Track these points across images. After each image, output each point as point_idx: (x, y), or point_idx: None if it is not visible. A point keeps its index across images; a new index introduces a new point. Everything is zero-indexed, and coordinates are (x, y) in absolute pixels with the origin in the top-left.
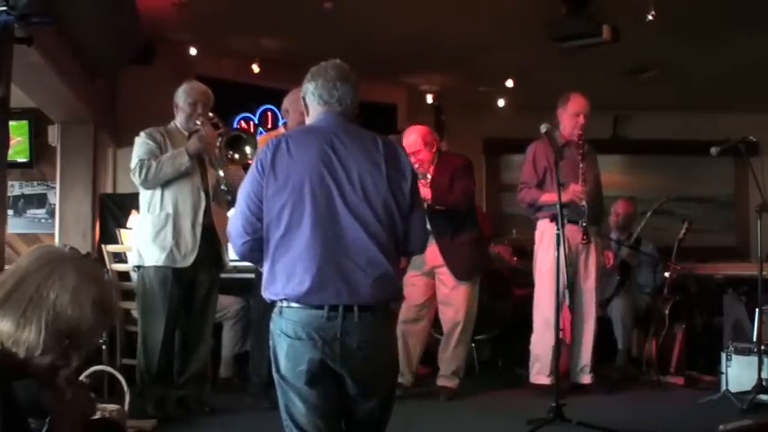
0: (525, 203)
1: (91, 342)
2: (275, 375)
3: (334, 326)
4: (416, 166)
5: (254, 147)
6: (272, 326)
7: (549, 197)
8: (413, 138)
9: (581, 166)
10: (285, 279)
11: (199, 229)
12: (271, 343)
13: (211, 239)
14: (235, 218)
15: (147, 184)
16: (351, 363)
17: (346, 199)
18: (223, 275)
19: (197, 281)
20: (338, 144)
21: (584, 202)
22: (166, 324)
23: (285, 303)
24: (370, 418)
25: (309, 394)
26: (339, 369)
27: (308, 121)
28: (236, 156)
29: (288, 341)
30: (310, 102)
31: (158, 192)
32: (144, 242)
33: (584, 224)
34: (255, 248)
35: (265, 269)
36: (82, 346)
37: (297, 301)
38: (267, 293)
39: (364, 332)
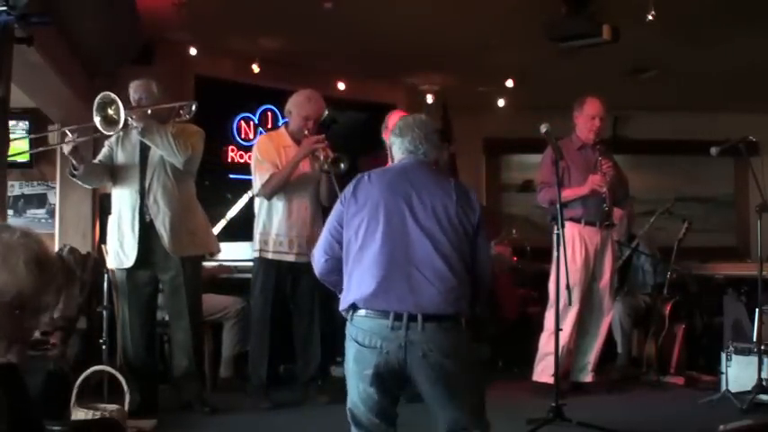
0: (546, 202)
1: (40, 305)
2: (345, 368)
3: (398, 335)
4: None
5: (116, 104)
6: (346, 330)
7: (569, 192)
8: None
9: (600, 159)
10: (357, 286)
11: (137, 229)
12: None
13: (154, 237)
14: (318, 242)
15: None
16: (419, 371)
17: (417, 217)
18: (223, 275)
19: (158, 281)
20: (413, 176)
21: (604, 189)
22: (130, 322)
23: (358, 312)
24: (457, 427)
25: (372, 393)
26: (409, 374)
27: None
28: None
29: (356, 347)
30: (396, 152)
31: (111, 195)
32: (107, 245)
33: (606, 208)
34: (334, 268)
35: (344, 284)
36: (35, 312)
37: (363, 306)
38: (342, 304)
39: (429, 342)
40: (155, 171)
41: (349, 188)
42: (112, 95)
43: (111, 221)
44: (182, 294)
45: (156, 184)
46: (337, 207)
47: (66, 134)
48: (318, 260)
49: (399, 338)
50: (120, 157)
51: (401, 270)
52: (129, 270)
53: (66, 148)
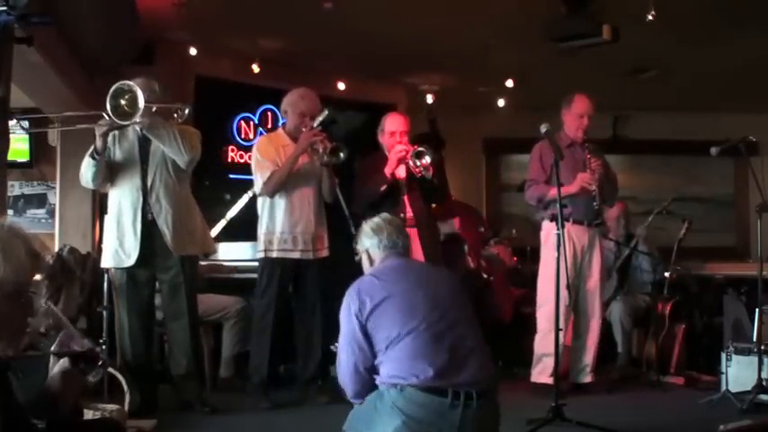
0: (533, 200)
1: (35, 292)
2: (367, 415)
3: (455, 414)
4: (403, 149)
5: (131, 95)
6: (384, 393)
7: (557, 191)
8: (400, 119)
9: (588, 157)
10: (408, 369)
11: (139, 227)
12: (371, 402)
13: (156, 236)
14: (343, 367)
15: (87, 186)
16: None
17: (438, 296)
18: (223, 275)
19: (156, 280)
20: (409, 265)
21: (594, 187)
22: (129, 322)
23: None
24: None
25: None
26: None
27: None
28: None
29: (402, 418)
30: (375, 253)
31: (109, 193)
32: (104, 244)
33: (596, 206)
34: (367, 384)
35: (386, 369)
36: (30, 300)
37: (421, 387)
38: (388, 379)
39: (483, 419)
40: (157, 169)
41: (351, 295)
42: (133, 86)
43: (109, 220)
44: (181, 294)
45: (158, 182)
46: (349, 324)
47: (102, 117)
48: (352, 381)
49: (456, 416)
50: (119, 156)
51: (446, 347)
52: (128, 269)
53: (100, 130)
